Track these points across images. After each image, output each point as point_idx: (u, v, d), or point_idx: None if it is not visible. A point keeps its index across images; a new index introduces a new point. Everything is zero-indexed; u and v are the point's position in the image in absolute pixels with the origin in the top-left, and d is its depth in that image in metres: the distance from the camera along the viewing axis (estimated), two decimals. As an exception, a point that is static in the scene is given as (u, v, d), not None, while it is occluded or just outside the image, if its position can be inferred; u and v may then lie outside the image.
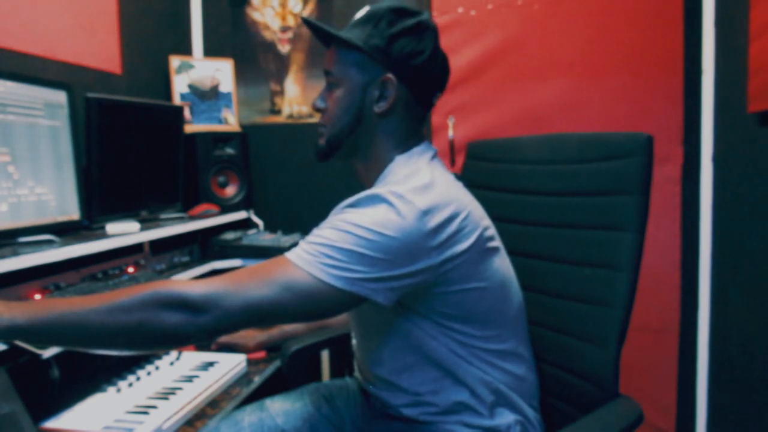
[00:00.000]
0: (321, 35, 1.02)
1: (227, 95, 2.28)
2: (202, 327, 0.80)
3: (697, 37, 1.85)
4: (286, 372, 1.24)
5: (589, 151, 1.06)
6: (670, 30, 1.93)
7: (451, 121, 2.15)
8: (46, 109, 1.33)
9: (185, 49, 2.35)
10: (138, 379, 1.17)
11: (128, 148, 1.67)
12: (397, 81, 0.95)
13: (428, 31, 0.97)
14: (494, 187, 1.23)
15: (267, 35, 2.35)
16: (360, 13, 0.99)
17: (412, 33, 0.95)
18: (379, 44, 0.95)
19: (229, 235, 1.94)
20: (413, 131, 1.01)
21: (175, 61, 2.19)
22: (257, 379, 1.24)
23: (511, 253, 1.05)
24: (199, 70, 2.23)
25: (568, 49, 2.04)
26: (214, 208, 1.99)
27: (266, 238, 1.94)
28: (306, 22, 1.01)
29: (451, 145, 2.15)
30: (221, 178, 2.09)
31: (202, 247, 1.90)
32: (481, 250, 0.92)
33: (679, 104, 1.94)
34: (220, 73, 2.27)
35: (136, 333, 0.80)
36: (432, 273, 0.87)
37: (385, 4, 0.97)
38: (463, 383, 0.94)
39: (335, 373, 2.14)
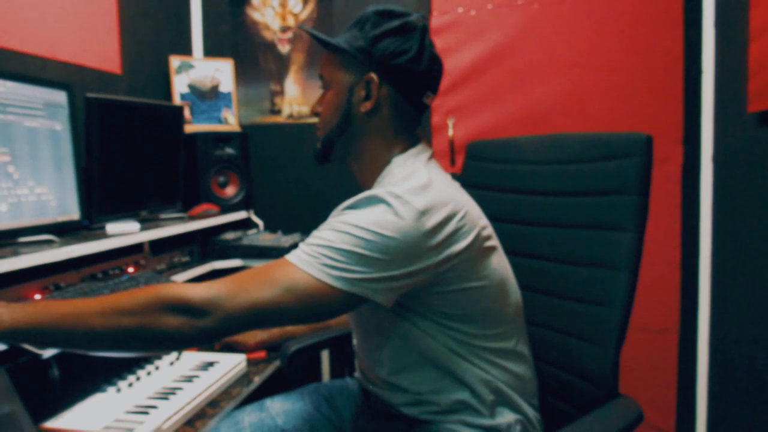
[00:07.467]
0: (320, 41, 1.03)
1: (227, 95, 2.28)
2: (204, 330, 0.80)
3: (697, 37, 1.85)
4: (286, 372, 1.24)
5: (588, 151, 1.06)
6: (670, 30, 1.93)
7: (451, 121, 2.15)
8: (46, 109, 1.33)
9: (185, 49, 2.36)
10: (138, 379, 1.17)
11: (128, 148, 1.67)
12: (379, 80, 0.96)
13: (415, 31, 0.97)
14: (494, 187, 1.23)
15: (267, 35, 2.35)
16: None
17: (397, 33, 0.96)
18: (362, 45, 0.96)
19: (229, 235, 1.94)
20: (405, 132, 1.01)
21: (175, 61, 2.19)
22: (257, 379, 1.24)
23: (511, 253, 1.05)
24: (199, 70, 2.23)
25: (568, 49, 2.04)
26: (214, 208, 1.99)
27: (266, 238, 1.94)
28: (302, 29, 1.02)
29: (451, 145, 2.15)
30: (221, 178, 2.09)
31: (202, 247, 1.90)
32: (479, 250, 0.92)
33: (679, 104, 1.94)
34: (220, 73, 2.27)
35: (137, 336, 0.80)
36: (431, 273, 0.87)
37: (372, 8, 0.99)
38: (463, 382, 0.95)
39: (335, 373, 2.14)
